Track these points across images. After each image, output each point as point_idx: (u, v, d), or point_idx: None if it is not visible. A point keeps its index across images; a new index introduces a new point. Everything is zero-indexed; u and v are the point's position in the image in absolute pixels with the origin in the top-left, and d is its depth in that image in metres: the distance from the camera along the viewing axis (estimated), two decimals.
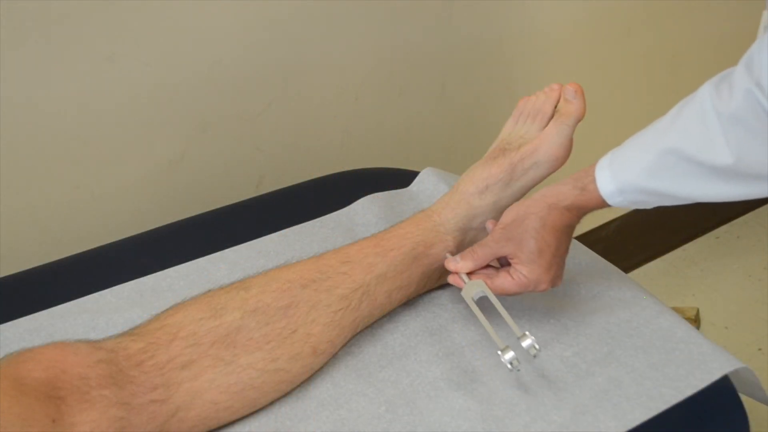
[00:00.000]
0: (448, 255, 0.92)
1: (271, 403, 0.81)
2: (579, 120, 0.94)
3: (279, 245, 1.03)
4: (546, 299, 0.94)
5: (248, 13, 1.19)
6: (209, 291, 0.85)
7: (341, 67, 1.32)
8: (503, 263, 0.91)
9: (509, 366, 0.81)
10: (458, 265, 0.89)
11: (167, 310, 0.82)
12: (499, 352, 0.81)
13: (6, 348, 0.85)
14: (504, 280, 0.87)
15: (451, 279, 0.91)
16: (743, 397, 0.87)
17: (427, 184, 1.13)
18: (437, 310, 0.93)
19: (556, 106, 0.96)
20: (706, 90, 0.75)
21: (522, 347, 0.82)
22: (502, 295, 0.88)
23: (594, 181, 0.83)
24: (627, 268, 1.85)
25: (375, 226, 1.05)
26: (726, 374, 0.83)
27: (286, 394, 0.82)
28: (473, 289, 0.88)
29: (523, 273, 0.85)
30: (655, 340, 0.86)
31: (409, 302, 0.94)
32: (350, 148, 1.39)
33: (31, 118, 1.07)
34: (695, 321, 1.71)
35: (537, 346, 0.82)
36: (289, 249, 1.02)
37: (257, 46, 1.22)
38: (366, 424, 0.79)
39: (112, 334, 0.81)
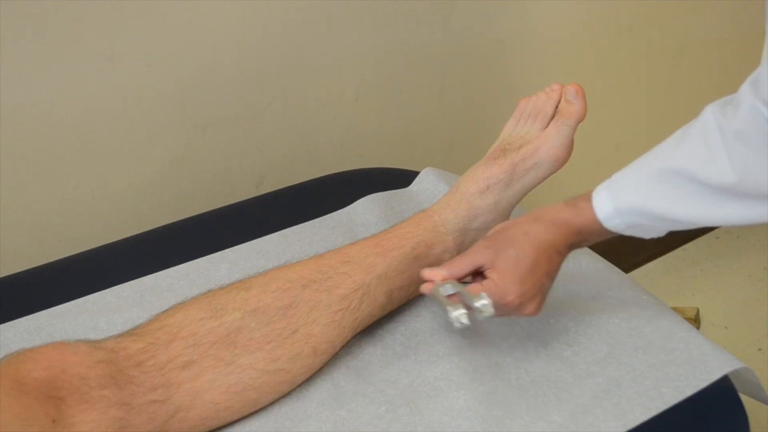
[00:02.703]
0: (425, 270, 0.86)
1: (271, 403, 0.82)
2: (580, 121, 0.94)
3: (279, 245, 1.03)
4: (546, 299, 0.94)
5: (248, 14, 1.19)
6: (209, 291, 0.85)
7: (341, 67, 1.32)
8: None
9: (457, 324, 0.78)
10: (433, 272, 0.83)
11: (167, 310, 0.82)
12: (449, 307, 0.79)
13: (6, 348, 0.85)
14: (473, 287, 0.82)
15: (423, 288, 0.84)
16: (743, 397, 0.87)
17: (427, 184, 1.13)
18: (438, 310, 0.93)
19: (557, 107, 0.96)
20: (709, 110, 0.74)
21: (477, 307, 0.79)
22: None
23: (588, 200, 0.81)
24: (627, 268, 1.85)
25: (375, 226, 1.05)
26: (726, 374, 0.83)
27: (286, 394, 0.82)
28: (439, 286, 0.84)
29: (493, 278, 0.80)
30: (655, 340, 0.86)
31: (409, 302, 0.94)
32: (350, 148, 1.39)
33: (31, 118, 1.07)
34: (695, 321, 1.71)
35: (489, 306, 0.78)
36: (289, 249, 1.02)
37: (258, 46, 1.22)
38: (366, 424, 0.79)
39: (112, 334, 0.81)
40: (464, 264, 0.83)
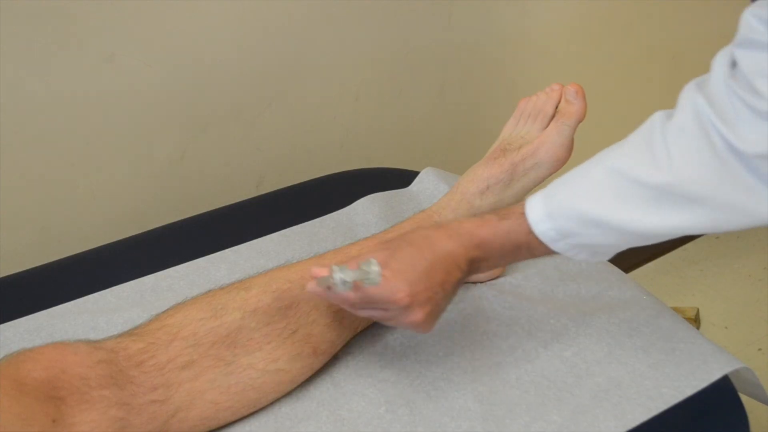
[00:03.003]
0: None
1: (271, 403, 0.82)
2: (580, 121, 0.94)
3: (279, 245, 1.03)
4: (546, 299, 0.94)
5: (248, 13, 1.19)
6: (209, 291, 0.85)
7: (341, 67, 1.32)
8: None
9: (341, 286, 0.72)
10: (321, 270, 0.77)
11: (167, 310, 0.82)
12: (334, 267, 0.73)
13: (6, 348, 0.85)
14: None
15: (308, 286, 0.77)
16: (743, 397, 0.87)
17: (427, 184, 1.13)
18: None
19: (557, 107, 0.96)
20: (657, 114, 0.73)
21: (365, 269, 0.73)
22: (360, 303, 0.76)
23: (497, 212, 0.78)
24: (627, 268, 1.85)
25: (375, 226, 1.05)
26: (726, 374, 0.83)
27: (286, 394, 0.82)
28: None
29: (384, 275, 0.74)
30: (655, 340, 0.86)
31: None
32: (350, 148, 1.39)
33: (31, 117, 1.07)
34: (695, 321, 1.71)
35: (377, 274, 0.72)
36: (289, 249, 1.02)
37: (258, 46, 1.22)
38: (366, 424, 0.79)
39: (112, 334, 0.81)
40: (355, 265, 0.76)
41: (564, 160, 0.94)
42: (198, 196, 1.25)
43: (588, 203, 0.73)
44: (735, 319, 1.75)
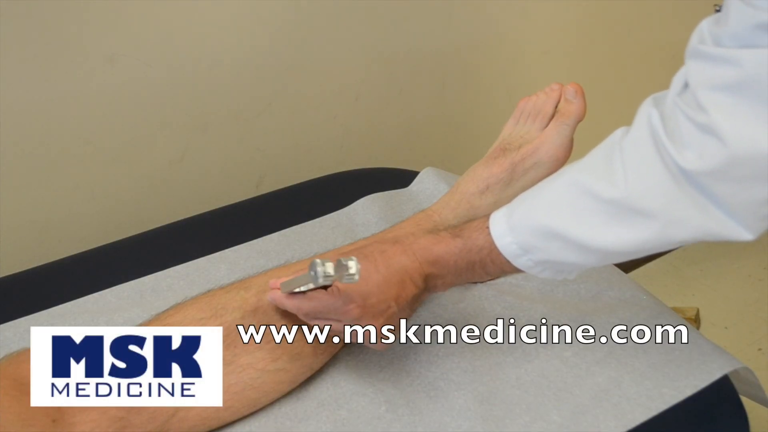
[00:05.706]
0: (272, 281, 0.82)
1: (271, 403, 0.82)
2: (579, 120, 0.94)
3: (279, 245, 1.03)
4: (546, 299, 0.94)
5: (248, 13, 1.19)
6: (209, 291, 0.85)
7: (341, 67, 1.32)
8: None
9: (320, 279, 0.69)
10: (279, 280, 0.80)
11: (167, 310, 0.82)
12: (317, 261, 0.69)
13: (6, 348, 0.85)
14: (317, 292, 0.76)
15: (268, 295, 0.81)
16: (743, 397, 0.87)
17: (427, 184, 1.13)
18: (437, 310, 0.94)
19: (556, 106, 0.96)
20: (620, 129, 0.73)
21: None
22: (313, 312, 0.77)
23: (452, 229, 0.78)
24: (627, 268, 1.85)
25: (375, 226, 1.05)
26: (726, 374, 0.83)
27: (286, 394, 0.82)
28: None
29: (338, 286, 0.74)
30: (655, 340, 0.86)
31: None
32: (350, 148, 1.39)
33: (32, 118, 1.07)
34: (695, 321, 1.71)
35: (356, 270, 0.69)
36: (289, 249, 1.02)
37: (257, 46, 1.22)
38: (366, 424, 0.79)
39: None
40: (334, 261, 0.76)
41: (564, 160, 0.94)
42: (198, 196, 1.25)
43: (547, 217, 0.73)
44: (735, 319, 1.75)
